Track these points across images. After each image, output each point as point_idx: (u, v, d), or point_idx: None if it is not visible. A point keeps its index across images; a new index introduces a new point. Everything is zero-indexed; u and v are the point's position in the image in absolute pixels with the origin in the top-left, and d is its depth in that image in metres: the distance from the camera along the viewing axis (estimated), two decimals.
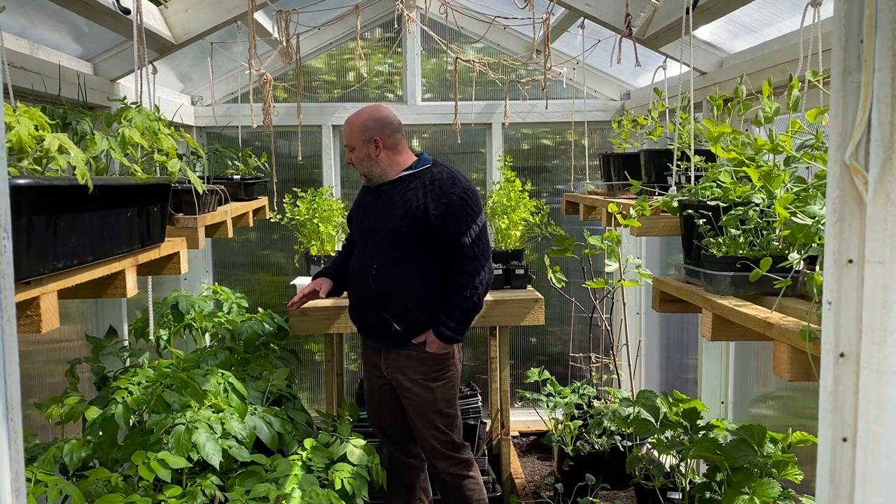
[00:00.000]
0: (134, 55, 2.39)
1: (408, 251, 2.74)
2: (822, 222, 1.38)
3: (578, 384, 3.82)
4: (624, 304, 3.86)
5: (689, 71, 2.59)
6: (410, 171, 2.81)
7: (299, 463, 2.26)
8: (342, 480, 2.28)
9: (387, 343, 2.85)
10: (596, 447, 3.47)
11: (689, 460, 2.61)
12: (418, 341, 2.78)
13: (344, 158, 3.02)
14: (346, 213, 3.28)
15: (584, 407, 3.74)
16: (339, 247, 3.93)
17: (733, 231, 1.70)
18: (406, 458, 3.04)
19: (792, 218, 1.43)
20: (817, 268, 1.40)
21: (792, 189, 1.59)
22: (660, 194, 2.47)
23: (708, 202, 1.83)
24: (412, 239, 2.72)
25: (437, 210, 2.69)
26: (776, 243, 1.69)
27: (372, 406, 3.06)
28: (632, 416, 2.73)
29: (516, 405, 4.41)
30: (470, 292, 2.71)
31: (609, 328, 4.13)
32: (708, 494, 2.27)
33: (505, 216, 3.78)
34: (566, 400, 3.66)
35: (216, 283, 4.04)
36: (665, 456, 2.75)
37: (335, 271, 3.00)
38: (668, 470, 2.84)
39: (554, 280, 3.58)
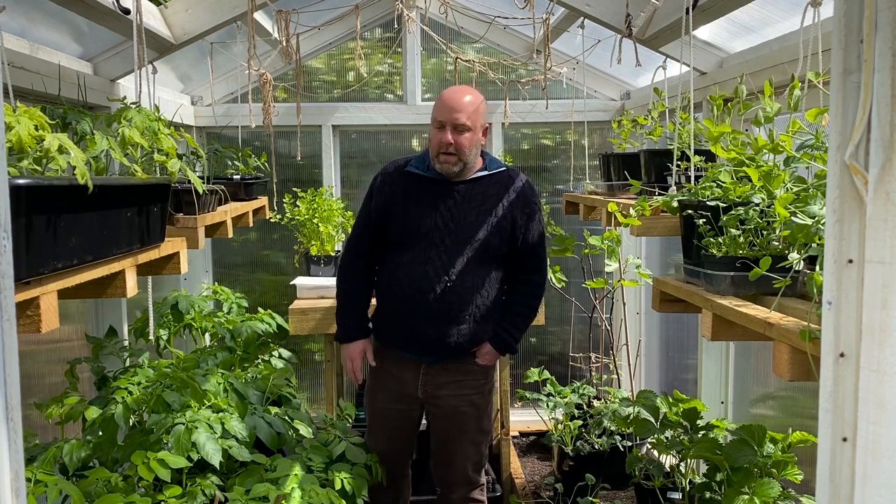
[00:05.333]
0: (134, 55, 2.39)
1: (485, 260, 2.51)
2: (822, 222, 1.38)
3: (578, 384, 3.82)
4: (624, 304, 3.85)
5: (689, 71, 2.59)
6: (487, 173, 2.57)
7: (299, 463, 2.26)
8: (342, 480, 2.28)
9: (436, 357, 2.57)
10: (596, 447, 3.46)
11: (689, 460, 2.61)
12: (475, 352, 2.58)
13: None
14: (370, 207, 2.62)
15: (584, 407, 3.74)
16: (338, 247, 3.90)
17: (733, 231, 1.70)
18: (402, 472, 2.81)
19: (792, 218, 1.43)
20: (817, 268, 1.40)
21: (792, 189, 1.59)
22: (660, 194, 2.47)
23: (708, 202, 1.83)
24: (494, 249, 2.51)
25: (522, 221, 2.54)
26: (776, 243, 1.69)
27: (377, 432, 2.72)
28: (632, 416, 2.73)
29: (516, 405, 4.41)
30: (537, 302, 2.65)
31: (609, 328, 4.13)
32: (708, 494, 2.27)
33: None
34: (566, 400, 3.66)
35: (216, 283, 4.04)
36: (665, 456, 2.75)
37: (362, 317, 2.65)
38: (668, 470, 2.83)
39: (554, 280, 3.57)
